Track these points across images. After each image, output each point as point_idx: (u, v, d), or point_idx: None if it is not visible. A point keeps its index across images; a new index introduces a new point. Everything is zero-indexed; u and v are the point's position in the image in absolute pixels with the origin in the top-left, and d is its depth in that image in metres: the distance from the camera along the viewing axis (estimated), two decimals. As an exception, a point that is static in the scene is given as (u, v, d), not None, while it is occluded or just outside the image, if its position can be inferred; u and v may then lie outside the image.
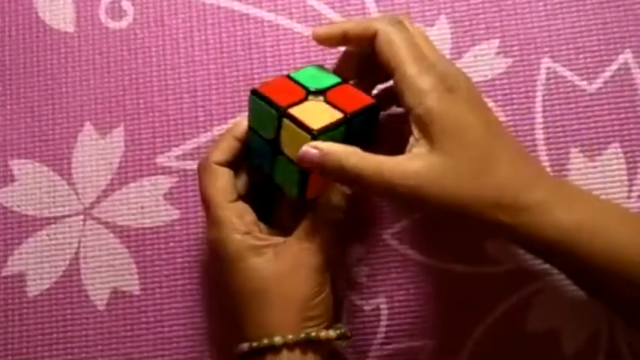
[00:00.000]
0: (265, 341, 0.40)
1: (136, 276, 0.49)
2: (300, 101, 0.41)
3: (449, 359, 0.47)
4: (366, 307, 0.48)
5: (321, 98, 0.42)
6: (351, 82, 0.44)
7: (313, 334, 0.40)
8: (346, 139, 0.41)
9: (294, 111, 0.40)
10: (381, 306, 0.47)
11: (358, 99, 0.42)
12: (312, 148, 0.39)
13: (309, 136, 0.39)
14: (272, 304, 0.40)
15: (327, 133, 0.40)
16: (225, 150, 0.43)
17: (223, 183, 0.43)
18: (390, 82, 0.41)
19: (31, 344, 0.48)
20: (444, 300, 0.47)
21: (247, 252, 0.41)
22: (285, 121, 0.40)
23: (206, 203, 0.43)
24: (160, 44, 0.51)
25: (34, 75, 0.51)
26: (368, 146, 0.41)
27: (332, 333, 0.41)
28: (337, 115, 0.41)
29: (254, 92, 0.42)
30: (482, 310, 0.47)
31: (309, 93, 0.42)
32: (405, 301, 0.47)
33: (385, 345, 0.47)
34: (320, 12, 0.51)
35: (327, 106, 0.41)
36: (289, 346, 0.39)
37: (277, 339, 0.39)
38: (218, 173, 0.43)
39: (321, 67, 0.45)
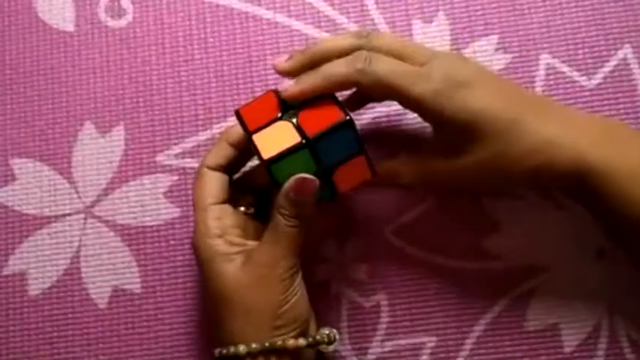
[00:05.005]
0: (232, 349, 0.40)
1: (137, 274, 0.49)
2: (270, 122, 0.41)
3: (449, 356, 0.47)
4: (366, 304, 0.48)
5: (294, 120, 0.41)
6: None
7: (279, 342, 0.40)
8: (319, 160, 0.40)
9: (256, 137, 0.40)
10: (381, 303, 0.47)
11: (328, 116, 0.40)
12: None
13: (267, 162, 0.39)
14: (238, 312, 0.40)
15: (284, 158, 0.39)
16: (217, 155, 0.43)
17: (210, 187, 0.42)
18: None
19: (33, 343, 0.48)
20: (444, 296, 0.47)
21: (217, 257, 0.41)
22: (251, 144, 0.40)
23: (193, 206, 0.43)
24: (159, 43, 0.51)
25: (34, 74, 0.51)
26: (351, 160, 0.41)
27: (302, 341, 0.40)
28: (295, 140, 0.40)
29: (236, 112, 0.42)
30: (482, 306, 0.47)
31: (284, 111, 0.41)
32: (405, 297, 0.47)
33: (385, 342, 0.47)
34: (318, 9, 0.51)
35: (292, 128, 0.40)
36: (252, 355, 0.39)
37: (242, 348, 0.39)
38: (207, 177, 0.43)
39: None
